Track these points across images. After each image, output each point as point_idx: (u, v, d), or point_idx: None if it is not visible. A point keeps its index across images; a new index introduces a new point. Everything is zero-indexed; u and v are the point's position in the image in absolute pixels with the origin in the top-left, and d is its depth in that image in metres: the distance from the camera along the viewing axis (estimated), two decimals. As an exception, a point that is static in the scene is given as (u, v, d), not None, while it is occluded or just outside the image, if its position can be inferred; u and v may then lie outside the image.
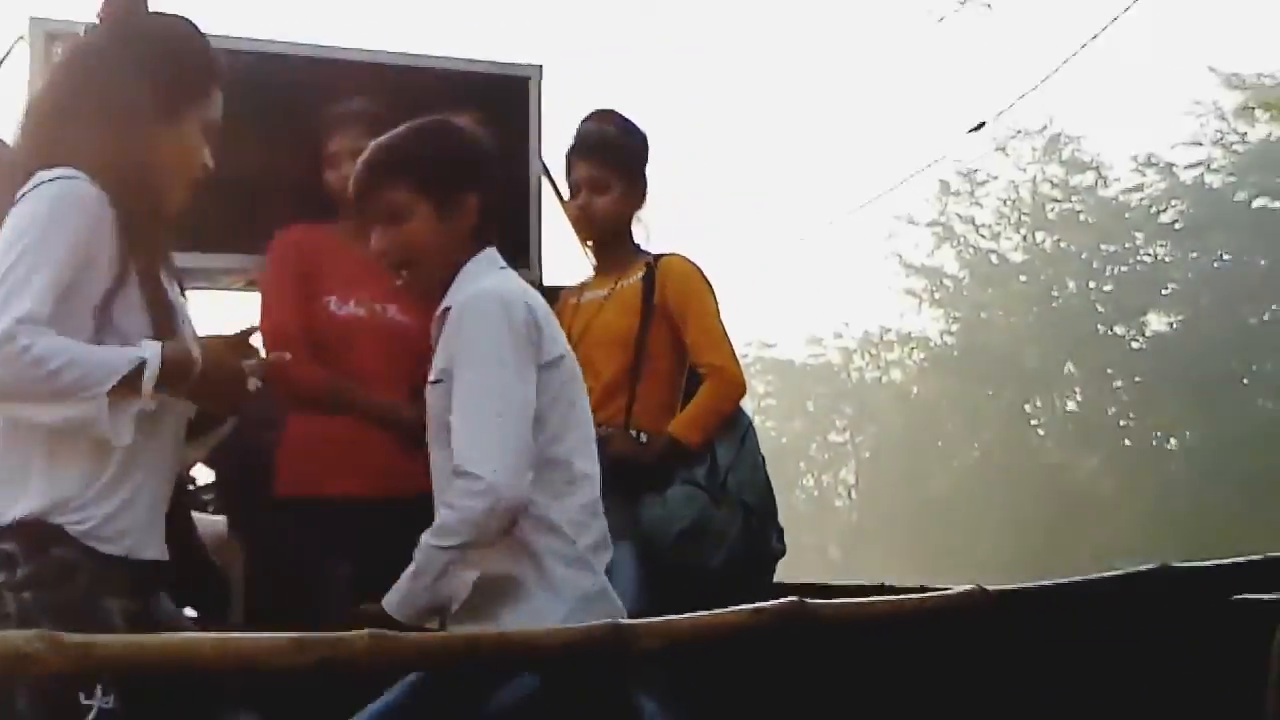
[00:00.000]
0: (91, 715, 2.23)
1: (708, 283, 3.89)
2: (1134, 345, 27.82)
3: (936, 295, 31.41)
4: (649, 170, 3.97)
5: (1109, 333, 28.03)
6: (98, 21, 2.59)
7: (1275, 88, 23.80)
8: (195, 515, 4.11)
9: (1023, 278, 29.65)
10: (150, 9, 2.61)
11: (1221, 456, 23.47)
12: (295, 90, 3.97)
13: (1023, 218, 29.93)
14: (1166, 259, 27.55)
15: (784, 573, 3.95)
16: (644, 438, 3.71)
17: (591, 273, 4.03)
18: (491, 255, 2.83)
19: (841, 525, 33.77)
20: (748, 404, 3.98)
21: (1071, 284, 28.74)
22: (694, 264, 3.90)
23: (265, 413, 3.36)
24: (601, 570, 2.77)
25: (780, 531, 3.87)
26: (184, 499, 3.63)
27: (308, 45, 4.22)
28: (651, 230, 3.98)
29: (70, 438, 2.34)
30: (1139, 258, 27.99)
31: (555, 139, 4.23)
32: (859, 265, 47.14)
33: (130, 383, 2.31)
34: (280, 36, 4.22)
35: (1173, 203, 27.46)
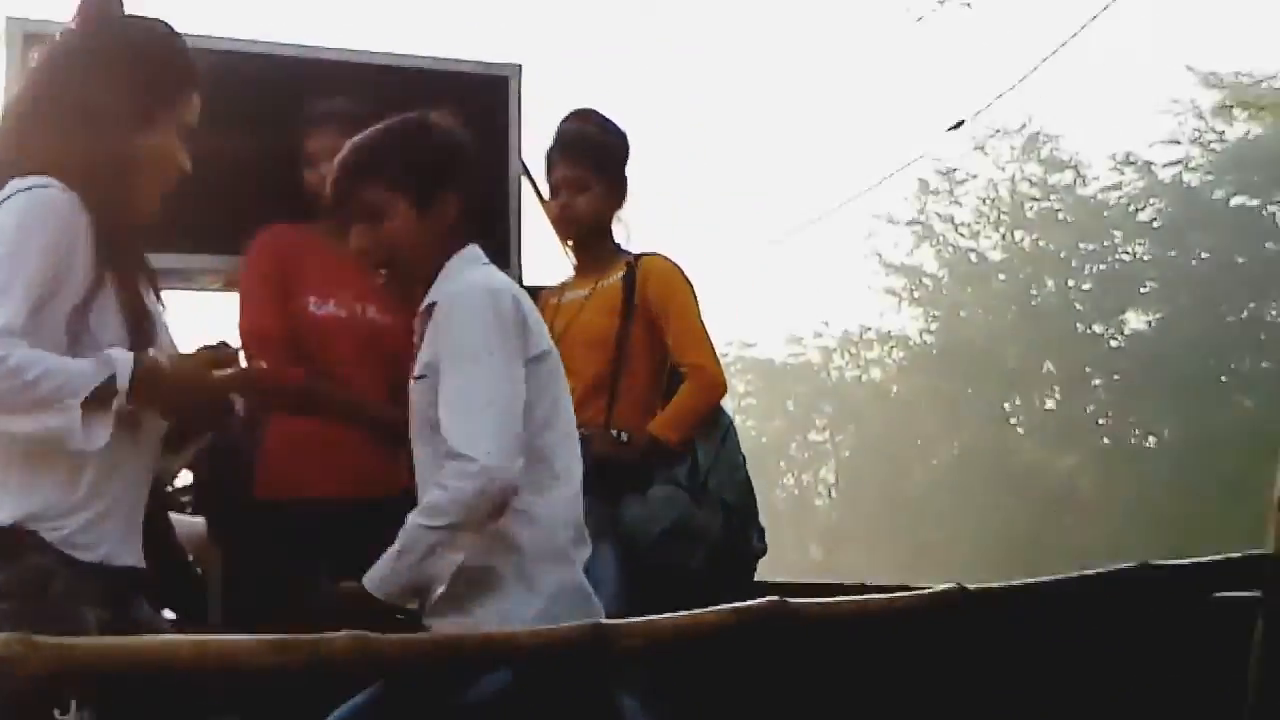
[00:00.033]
0: None
1: (688, 282, 3.89)
2: (1113, 344, 27.88)
3: (916, 294, 31.44)
4: (629, 169, 3.98)
5: (1088, 331, 28.09)
6: (73, 24, 2.57)
7: (1253, 86, 23.87)
8: (174, 517, 4.10)
9: (1002, 276, 29.70)
10: (127, 11, 2.60)
11: (1200, 454, 23.53)
12: (274, 90, 3.96)
13: (1002, 216, 29.97)
14: (1145, 257, 27.62)
15: (764, 572, 3.95)
16: (625, 437, 3.71)
17: (572, 273, 4.02)
18: (474, 252, 2.84)
19: (822, 524, 33.79)
20: (728, 403, 3.98)
21: (1050, 282, 28.79)
22: (674, 263, 3.90)
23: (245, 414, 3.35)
24: (580, 566, 2.77)
25: (761, 531, 3.87)
26: (162, 500, 3.62)
27: (286, 44, 4.21)
28: (632, 229, 3.98)
29: (45, 449, 2.32)
30: (1117, 256, 28.05)
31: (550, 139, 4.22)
32: (838, 264, 47.15)
33: (103, 394, 2.30)
34: (259, 36, 4.21)
35: (1151, 201, 27.53)
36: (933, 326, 31.52)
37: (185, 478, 4.03)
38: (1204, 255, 26.15)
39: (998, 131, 28.56)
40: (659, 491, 3.65)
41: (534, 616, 2.59)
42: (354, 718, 2.64)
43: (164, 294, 2.67)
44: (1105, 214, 28.01)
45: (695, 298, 3.87)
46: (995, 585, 2.77)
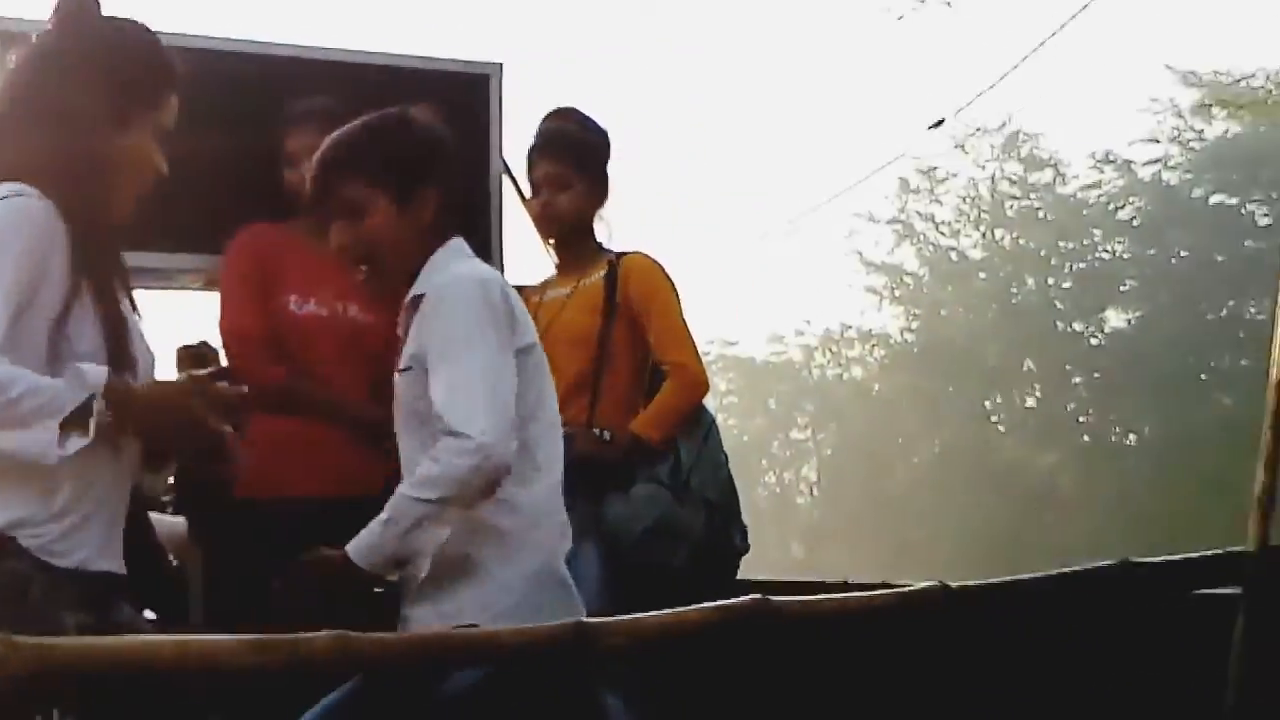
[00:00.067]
0: None
1: (670, 280, 3.89)
2: (1093, 342, 27.96)
3: (897, 293, 31.49)
4: (610, 168, 3.97)
5: (1068, 329, 28.17)
6: (49, 25, 2.56)
7: (1231, 85, 23.95)
8: (154, 516, 4.09)
9: (982, 275, 29.77)
10: (104, 11, 2.58)
11: (1180, 452, 23.60)
12: (254, 88, 3.95)
13: (982, 215, 30.03)
14: (1125, 256, 27.70)
15: (747, 570, 3.96)
16: (608, 436, 3.71)
17: (553, 271, 4.02)
18: (460, 244, 2.84)
19: (804, 522, 33.82)
20: (710, 402, 3.99)
21: (1031, 281, 28.86)
22: (656, 262, 3.90)
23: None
24: (562, 557, 2.78)
25: (744, 529, 3.87)
26: (141, 501, 3.61)
27: (267, 43, 4.20)
28: (615, 228, 3.98)
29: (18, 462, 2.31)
30: (1097, 254, 28.12)
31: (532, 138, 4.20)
32: (820, 263, 47.08)
33: (81, 413, 2.28)
34: (240, 35, 4.20)
35: (1131, 200, 27.62)
36: (914, 325, 31.57)
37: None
38: (1183, 253, 26.24)
39: (978, 130, 28.62)
40: (642, 490, 3.65)
41: (514, 605, 2.61)
42: (332, 712, 2.64)
43: (145, 295, 2.65)
44: (1085, 212, 28.09)
45: (677, 296, 3.87)
46: (977, 583, 2.77)
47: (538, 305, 3.87)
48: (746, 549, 3.86)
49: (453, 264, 2.78)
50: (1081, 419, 28.20)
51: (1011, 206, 29.64)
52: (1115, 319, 27.93)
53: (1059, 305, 28.35)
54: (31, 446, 2.25)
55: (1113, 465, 26.26)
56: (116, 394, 2.32)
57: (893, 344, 32.14)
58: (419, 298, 2.74)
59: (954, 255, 30.65)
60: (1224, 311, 25.37)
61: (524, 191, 4.15)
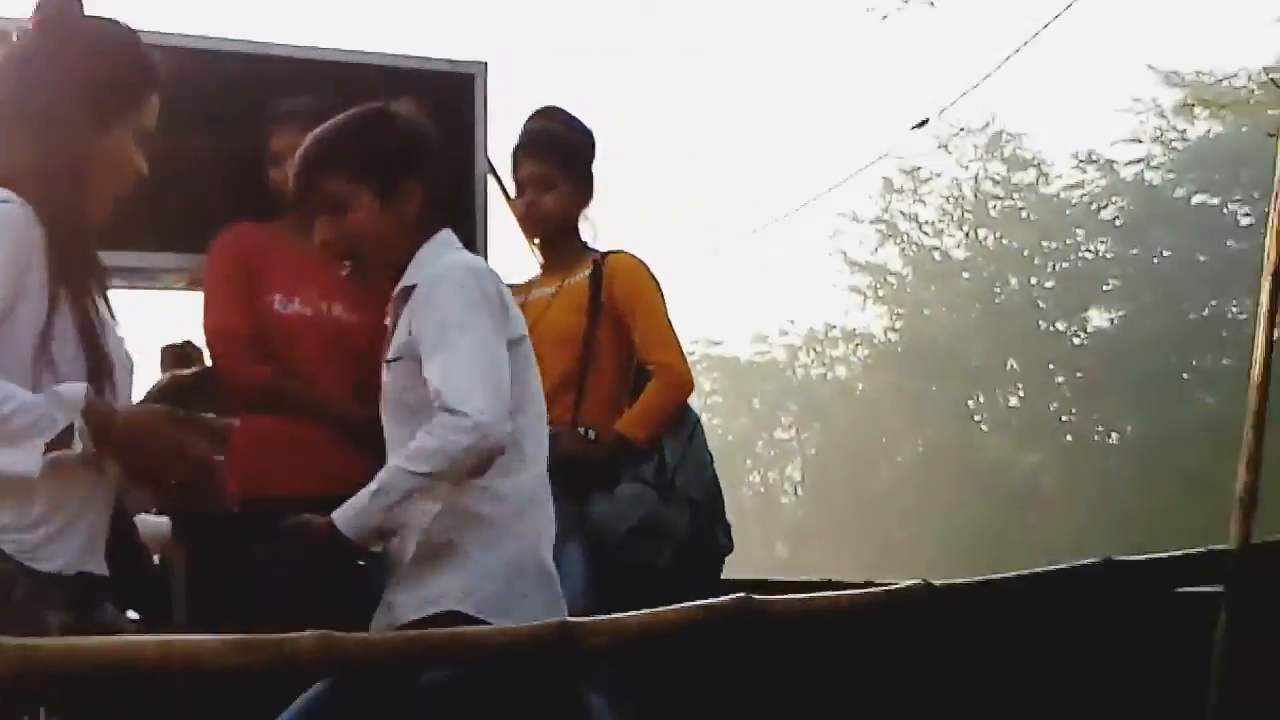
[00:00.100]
0: None
1: (655, 280, 3.89)
2: (1075, 341, 28.06)
3: (880, 292, 31.57)
4: (596, 167, 3.97)
5: (1051, 329, 28.26)
6: (29, 25, 2.54)
7: (1214, 85, 24.03)
8: (138, 516, 4.08)
9: (965, 274, 29.85)
10: (86, 11, 2.57)
11: (1162, 451, 23.70)
12: (238, 88, 3.94)
13: (965, 215, 30.12)
14: (1107, 255, 27.81)
15: (731, 569, 3.96)
16: (593, 435, 3.71)
17: (538, 271, 4.02)
18: (448, 236, 2.85)
19: (788, 521, 33.89)
20: (694, 401, 3.99)
21: (1014, 280, 28.95)
22: (641, 261, 3.90)
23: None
24: (546, 547, 2.78)
25: (728, 528, 3.88)
26: (124, 502, 3.59)
27: (251, 43, 4.18)
28: (599, 227, 3.98)
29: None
30: (1080, 254, 28.23)
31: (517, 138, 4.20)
32: (804, 263, 47.20)
33: (65, 435, 2.27)
34: (225, 34, 4.18)
35: (1113, 199, 27.73)
36: (897, 324, 31.66)
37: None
38: (1166, 253, 26.35)
39: (961, 130, 28.72)
40: (626, 489, 3.65)
41: (496, 592, 2.62)
42: (313, 706, 2.64)
43: (129, 294, 2.64)
44: (1068, 212, 28.19)
45: (662, 296, 3.88)
46: (960, 581, 2.78)
47: (523, 305, 3.86)
48: (731, 548, 3.86)
49: (444, 255, 2.79)
50: (1064, 418, 28.30)
51: (995, 206, 29.74)
52: (1098, 318, 28.05)
53: (1042, 305, 28.45)
54: (18, 464, 2.25)
55: (1095, 464, 26.36)
56: (98, 416, 2.31)
57: (876, 344, 32.22)
58: (409, 289, 2.74)
59: (937, 255, 30.73)
60: (1206, 311, 25.49)
61: (509, 191, 4.15)
